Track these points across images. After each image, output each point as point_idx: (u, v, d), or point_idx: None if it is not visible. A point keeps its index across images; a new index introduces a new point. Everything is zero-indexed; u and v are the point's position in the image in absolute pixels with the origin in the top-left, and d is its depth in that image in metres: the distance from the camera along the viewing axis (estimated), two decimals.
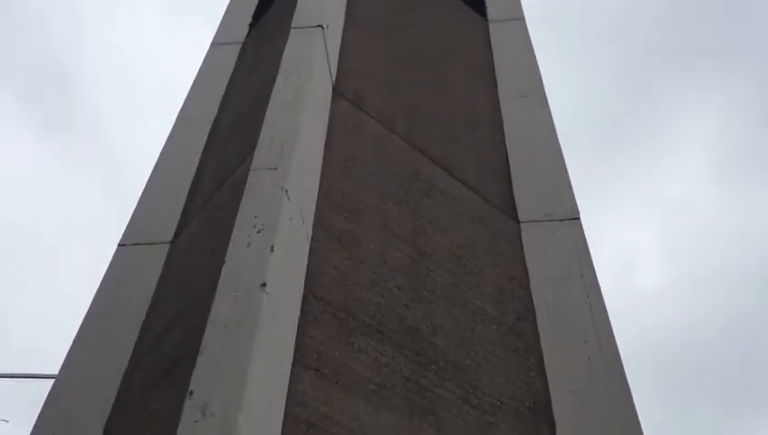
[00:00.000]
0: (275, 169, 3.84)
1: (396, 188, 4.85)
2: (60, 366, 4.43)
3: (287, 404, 3.25)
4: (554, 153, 5.83)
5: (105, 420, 4.12)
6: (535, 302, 4.77)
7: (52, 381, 4.41)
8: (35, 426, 4.12)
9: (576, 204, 5.38)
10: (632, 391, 4.45)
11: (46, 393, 4.30)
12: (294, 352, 3.45)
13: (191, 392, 2.77)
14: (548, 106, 6.28)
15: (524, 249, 5.08)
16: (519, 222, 5.29)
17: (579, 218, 5.24)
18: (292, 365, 3.40)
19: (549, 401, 4.34)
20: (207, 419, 2.67)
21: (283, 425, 3.16)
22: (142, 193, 5.49)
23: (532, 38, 7.07)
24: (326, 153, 4.59)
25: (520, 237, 5.18)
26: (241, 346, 2.94)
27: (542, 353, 4.52)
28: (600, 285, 4.87)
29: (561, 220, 5.23)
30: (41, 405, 4.24)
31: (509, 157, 5.82)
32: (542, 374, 4.43)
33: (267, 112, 4.33)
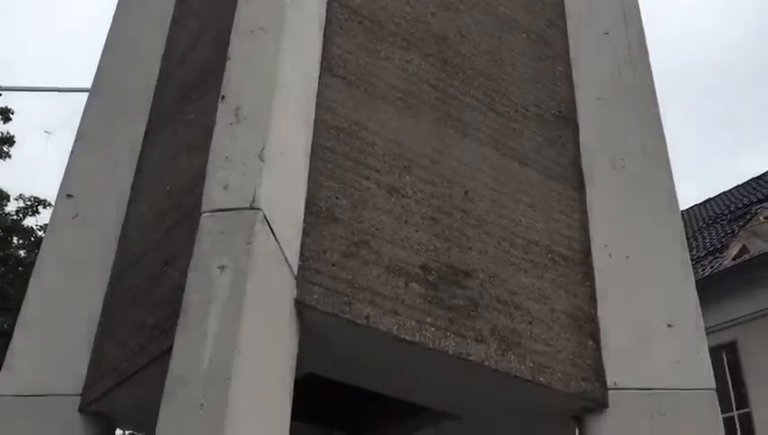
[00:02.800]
0: None
1: None
2: (92, 79, 4.52)
3: (317, 110, 3.33)
4: None
5: (143, 131, 4.30)
6: (567, 8, 4.60)
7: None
8: (77, 136, 4.33)
9: None
10: (659, 103, 4.46)
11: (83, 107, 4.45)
12: (321, 60, 3.45)
13: (223, 97, 2.83)
14: None
15: None
16: None
17: None
18: (320, 73, 3.43)
19: (574, 108, 4.39)
20: (241, 121, 2.76)
21: (314, 131, 3.28)
22: None
23: None
24: None
25: None
26: (268, 52, 2.93)
27: (569, 61, 4.47)
28: None
29: None
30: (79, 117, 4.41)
31: None
32: (569, 82, 4.43)
33: None
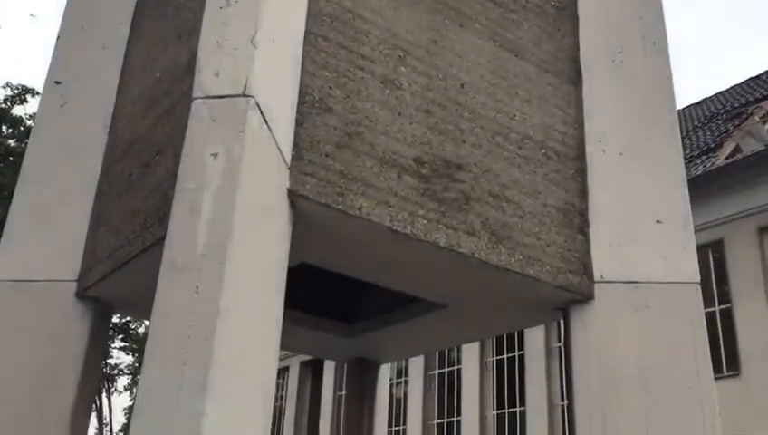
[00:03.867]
0: None
1: None
2: None
3: None
4: None
5: (131, 13, 4.17)
6: None
7: None
8: (63, 19, 4.20)
9: None
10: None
11: None
12: None
13: None
14: None
15: None
16: None
17: None
18: None
19: (575, 0, 4.27)
20: (232, 5, 2.68)
21: (307, 18, 3.18)
22: None
23: None
24: None
25: None
26: None
27: None
28: None
29: None
30: None
31: None
32: None
33: None
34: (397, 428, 16.71)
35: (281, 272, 2.69)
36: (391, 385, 16.80)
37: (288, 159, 2.84)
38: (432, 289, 4.03)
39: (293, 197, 2.83)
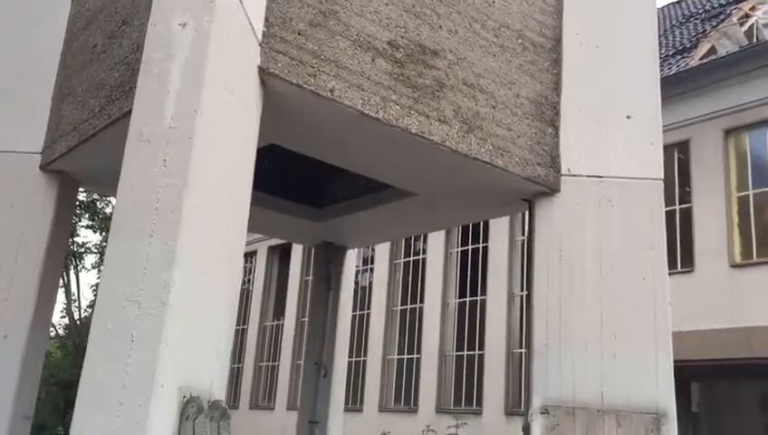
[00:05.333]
0: None
1: None
2: None
3: None
4: None
5: None
6: None
7: None
8: None
9: None
10: None
11: None
12: None
13: None
14: None
15: None
16: None
17: None
18: None
19: None
20: None
21: None
22: None
23: None
24: None
25: None
26: None
27: None
28: None
29: None
30: None
31: None
32: None
33: None
34: (361, 312, 17.22)
35: (250, 150, 2.67)
36: (357, 272, 17.18)
37: (259, 34, 2.76)
38: (402, 176, 4.05)
39: (264, 74, 2.76)
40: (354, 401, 16.62)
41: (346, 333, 5.71)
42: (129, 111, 2.40)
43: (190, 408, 2.10)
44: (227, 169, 2.47)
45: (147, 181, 2.20)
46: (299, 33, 2.91)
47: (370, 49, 3.18)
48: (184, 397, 2.12)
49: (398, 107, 3.22)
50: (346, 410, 7.01)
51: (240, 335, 21.08)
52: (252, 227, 2.93)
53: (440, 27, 3.50)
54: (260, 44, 2.75)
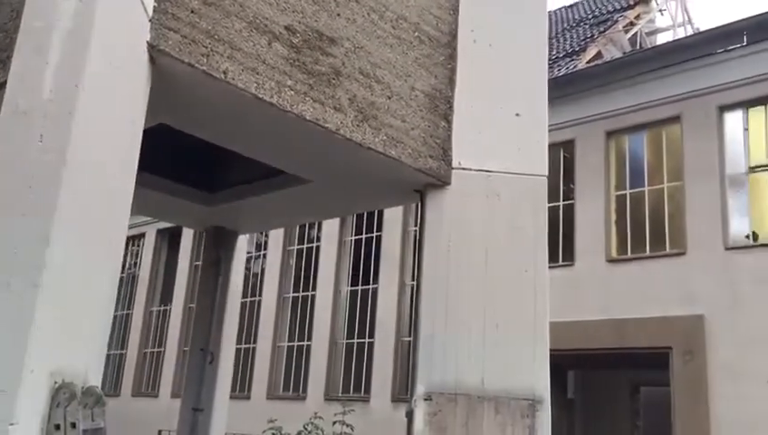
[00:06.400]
0: None
1: None
2: None
3: None
4: None
5: None
6: None
7: None
8: None
9: None
10: None
11: None
12: None
13: None
14: None
15: None
16: None
17: None
18: None
19: None
20: None
21: None
22: None
23: None
24: None
25: None
26: None
27: None
28: None
29: None
30: None
31: None
32: None
33: None
34: (252, 299, 17.00)
35: (136, 129, 2.58)
36: (249, 258, 16.94)
37: (150, 10, 2.66)
38: (296, 163, 4.02)
39: (154, 52, 2.67)
40: (242, 388, 16.42)
41: (235, 320, 5.63)
42: (5, 82, 2.26)
43: (62, 394, 2.01)
44: (111, 147, 2.37)
45: (21, 157, 2.08)
46: (192, 11, 2.83)
47: (267, 32, 3.13)
48: (55, 383, 2.03)
49: (293, 93, 3.20)
50: (233, 397, 6.92)
51: (124, 321, 20.35)
52: (138, 210, 2.84)
53: (338, 15, 3.49)
54: (150, 20, 2.66)
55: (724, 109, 10.91)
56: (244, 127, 3.47)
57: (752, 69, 10.56)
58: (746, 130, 10.82)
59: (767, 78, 10.43)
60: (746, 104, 10.77)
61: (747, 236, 10.71)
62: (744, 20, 10.94)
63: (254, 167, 4.21)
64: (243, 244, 5.75)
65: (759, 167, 10.68)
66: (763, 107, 10.67)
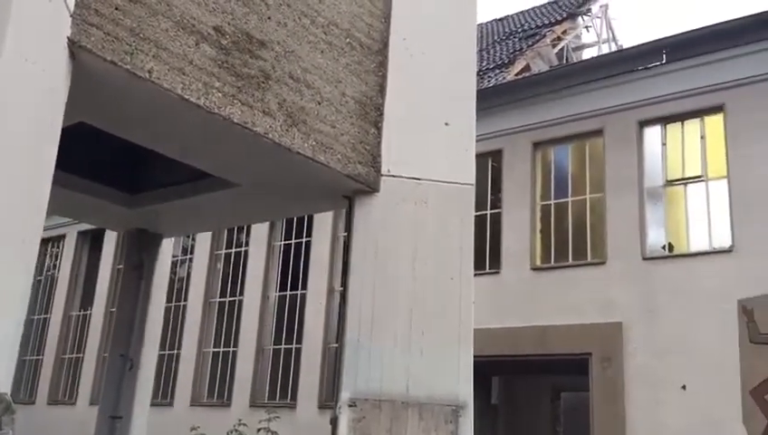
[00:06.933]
0: None
1: None
2: None
3: None
4: None
5: None
6: None
7: None
8: None
9: None
10: None
11: None
12: None
13: None
14: None
15: None
16: None
17: None
18: None
19: None
20: None
21: None
22: None
23: None
24: None
25: None
26: None
27: None
28: None
29: None
30: None
31: None
32: None
33: None
34: (177, 303, 16.60)
35: (54, 127, 2.49)
36: (175, 262, 16.57)
37: (71, 5, 2.57)
38: (223, 166, 3.96)
39: (74, 48, 2.59)
40: (165, 395, 16.00)
41: (158, 325, 5.49)
42: None
43: None
44: (26, 145, 2.28)
45: None
46: (116, 8, 2.75)
47: (195, 32, 3.08)
48: None
49: (220, 94, 3.15)
50: (155, 404, 6.72)
51: (41, 325, 19.55)
52: (57, 210, 2.73)
53: (269, 18, 3.47)
54: (71, 15, 2.57)
55: (643, 124, 11.33)
56: (169, 128, 3.40)
57: (670, 86, 11.01)
58: (664, 144, 11.27)
59: (684, 95, 10.89)
60: (664, 120, 11.21)
61: (663, 247, 11.13)
62: (664, 39, 11.40)
63: (179, 169, 4.12)
64: (167, 247, 5.63)
65: (675, 180, 11.13)
66: (680, 123, 11.13)
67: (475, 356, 3.80)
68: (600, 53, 17.05)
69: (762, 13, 10.38)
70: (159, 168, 4.54)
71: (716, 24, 10.81)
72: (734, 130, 10.43)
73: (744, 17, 10.68)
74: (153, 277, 5.36)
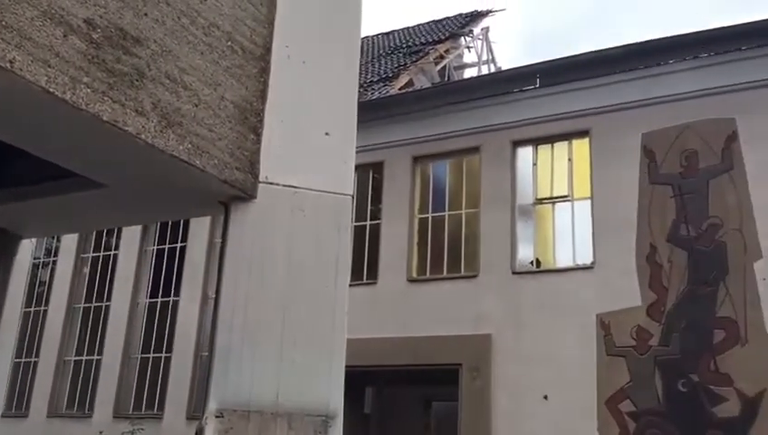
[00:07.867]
0: None
1: None
2: None
3: None
4: None
5: None
6: None
7: None
8: None
9: None
10: None
11: None
12: None
13: None
14: None
15: None
16: None
17: None
18: None
19: None
20: None
21: None
22: None
23: None
24: None
25: None
26: None
27: None
28: None
29: None
30: None
31: None
32: None
33: None
34: (36, 308, 15.60)
35: None
36: (36, 264, 15.58)
37: None
38: (90, 165, 3.77)
39: None
40: (19, 405, 14.98)
41: (12, 332, 5.15)
42: None
43: None
44: None
45: None
46: None
47: (63, 24, 2.92)
48: None
49: (89, 90, 3.00)
50: (8, 416, 6.29)
51: None
52: None
53: (145, 15, 3.35)
54: None
55: (517, 144, 11.84)
56: (31, 122, 3.20)
57: (542, 109, 11.59)
58: (535, 165, 11.82)
59: (554, 118, 11.49)
60: (536, 141, 11.78)
61: (531, 263, 11.66)
62: (538, 64, 11.99)
63: (40, 166, 3.88)
64: (26, 249, 5.29)
65: (544, 199, 11.70)
66: (550, 145, 11.73)
67: (348, 366, 3.82)
68: (480, 74, 17.70)
69: (629, 44, 11.14)
70: (17, 164, 4.26)
71: (586, 54, 11.51)
72: (599, 153, 11.11)
73: (611, 48, 11.42)
74: (8, 281, 5.01)
